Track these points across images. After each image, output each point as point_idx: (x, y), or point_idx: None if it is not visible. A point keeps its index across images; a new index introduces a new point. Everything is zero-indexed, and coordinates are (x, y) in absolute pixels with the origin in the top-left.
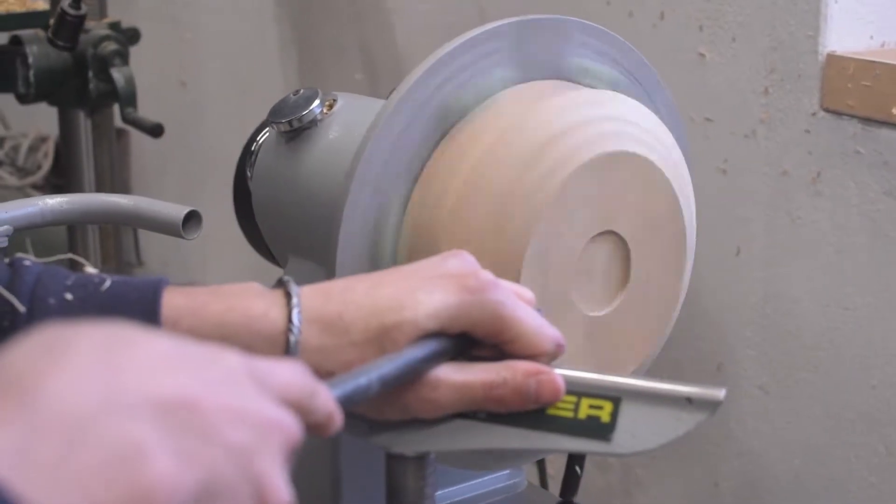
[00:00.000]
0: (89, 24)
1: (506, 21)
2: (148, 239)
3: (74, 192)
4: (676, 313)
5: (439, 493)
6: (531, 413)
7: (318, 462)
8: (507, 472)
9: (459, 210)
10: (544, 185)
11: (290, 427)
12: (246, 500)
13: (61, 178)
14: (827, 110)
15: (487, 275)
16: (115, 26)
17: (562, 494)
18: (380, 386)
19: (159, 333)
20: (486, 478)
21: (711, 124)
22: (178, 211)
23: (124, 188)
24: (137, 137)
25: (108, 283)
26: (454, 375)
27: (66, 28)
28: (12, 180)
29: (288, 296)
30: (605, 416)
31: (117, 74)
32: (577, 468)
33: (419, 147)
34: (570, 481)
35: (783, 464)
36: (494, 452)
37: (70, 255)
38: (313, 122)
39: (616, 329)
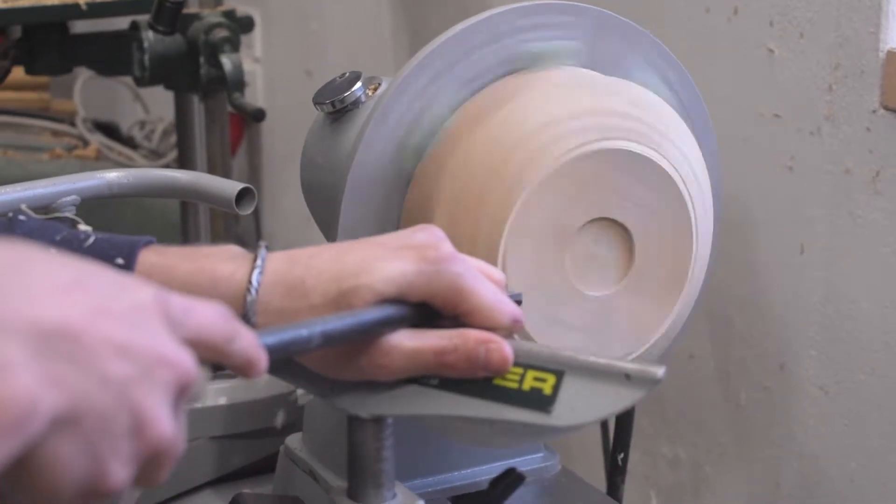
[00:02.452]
0: (203, 11)
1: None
2: (273, 220)
3: None
4: (685, 306)
5: (469, 471)
6: (480, 382)
7: (334, 437)
8: (541, 453)
9: (455, 177)
10: (535, 164)
11: (183, 366)
12: (124, 432)
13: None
14: (887, 108)
15: (449, 247)
16: (228, 14)
17: (608, 489)
18: (322, 339)
19: (68, 260)
20: (518, 459)
21: (779, 120)
22: (233, 187)
23: (255, 172)
24: (269, 124)
25: (90, 241)
26: (406, 342)
27: (165, 14)
28: (143, 162)
29: (255, 258)
30: (547, 388)
31: (226, 60)
32: (619, 458)
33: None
34: (614, 471)
35: (839, 467)
36: (445, 420)
37: (66, 215)
38: (356, 104)
39: (616, 312)
